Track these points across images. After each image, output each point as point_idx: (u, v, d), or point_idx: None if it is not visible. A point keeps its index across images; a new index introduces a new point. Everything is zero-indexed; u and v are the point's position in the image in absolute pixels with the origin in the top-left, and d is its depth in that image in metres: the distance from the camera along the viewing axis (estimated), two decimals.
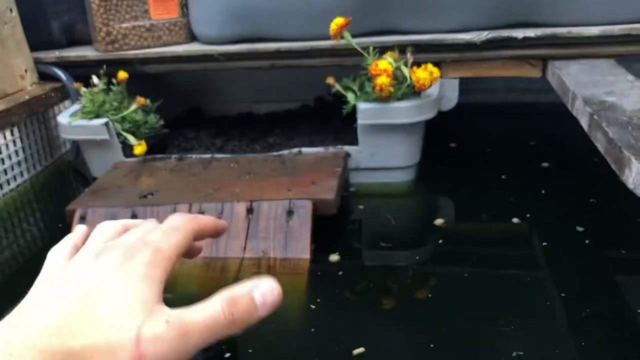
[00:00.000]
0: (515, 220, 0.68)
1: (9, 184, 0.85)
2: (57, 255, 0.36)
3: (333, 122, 0.96)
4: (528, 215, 0.68)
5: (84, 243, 0.37)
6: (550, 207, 0.71)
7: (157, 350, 0.30)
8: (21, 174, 0.88)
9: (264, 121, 1.05)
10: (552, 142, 0.92)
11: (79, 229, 0.39)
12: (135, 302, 0.31)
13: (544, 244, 0.63)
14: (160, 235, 0.35)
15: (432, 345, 0.49)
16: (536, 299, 0.54)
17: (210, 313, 0.32)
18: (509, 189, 0.76)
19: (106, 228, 0.37)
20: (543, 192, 0.75)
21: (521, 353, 0.47)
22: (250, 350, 0.50)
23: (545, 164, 0.83)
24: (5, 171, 0.84)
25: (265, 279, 0.33)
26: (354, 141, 0.81)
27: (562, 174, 0.80)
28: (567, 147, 0.89)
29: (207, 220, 0.38)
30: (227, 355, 0.50)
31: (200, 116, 1.12)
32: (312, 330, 0.53)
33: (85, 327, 0.30)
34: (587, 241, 0.63)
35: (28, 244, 0.74)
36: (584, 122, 0.62)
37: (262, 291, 0.32)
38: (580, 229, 0.65)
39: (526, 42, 0.78)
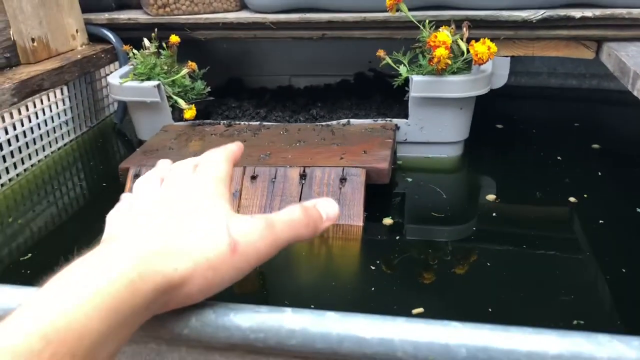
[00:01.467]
0: (572, 199, 0.67)
1: (57, 142, 0.86)
2: (117, 213, 0.39)
3: (374, 97, 0.95)
4: (585, 195, 0.68)
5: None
6: (606, 188, 0.70)
7: (248, 238, 0.33)
8: (68, 133, 0.89)
9: (304, 95, 1.05)
10: (599, 126, 0.91)
11: (124, 195, 0.42)
12: (217, 210, 0.35)
13: (601, 222, 0.63)
14: (209, 166, 0.39)
15: (490, 310, 0.50)
16: (595, 278, 0.54)
17: (290, 214, 0.37)
18: (562, 169, 0.76)
19: (146, 181, 0.41)
20: (599, 173, 0.74)
21: (582, 322, 0.47)
22: (312, 306, 0.51)
23: (595, 146, 0.82)
24: (54, 129, 0.85)
25: (325, 198, 0.39)
26: (397, 116, 0.81)
27: (614, 156, 0.80)
28: (616, 131, 0.89)
29: (236, 147, 0.43)
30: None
31: (241, 87, 1.12)
32: (372, 289, 0.54)
33: (179, 230, 0.33)
34: None
35: (77, 198, 0.75)
36: None
37: (325, 205, 0.38)
38: None
39: (583, 22, 0.78)
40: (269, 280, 0.57)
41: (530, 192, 0.70)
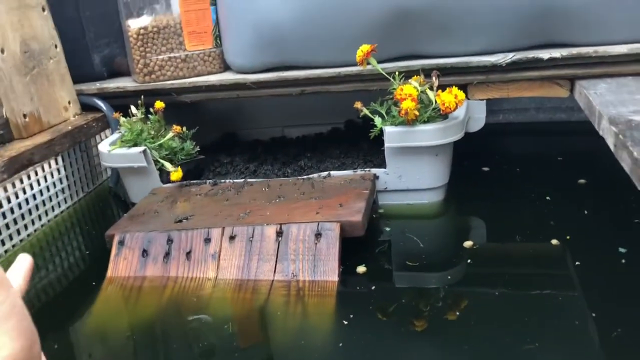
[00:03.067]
0: (554, 241, 0.67)
1: (53, 210, 0.90)
2: None
3: (362, 144, 0.97)
4: (567, 237, 0.68)
5: None
6: (590, 227, 0.70)
7: None
8: (65, 200, 0.93)
9: (296, 145, 1.07)
10: (587, 159, 0.91)
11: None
12: None
13: (577, 263, 0.63)
14: None
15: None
16: (568, 320, 0.54)
17: None
18: (546, 209, 0.76)
19: None
20: (585, 212, 0.74)
21: None
22: None
23: (582, 181, 0.82)
24: (50, 198, 0.89)
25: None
26: (382, 163, 0.82)
27: (600, 191, 0.80)
28: (603, 164, 0.88)
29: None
30: None
31: (235, 141, 1.15)
32: (341, 345, 0.55)
33: None
34: (624, 261, 0.62)
35: (71, 267, 0.78)
36: (610, 142, 0.62)
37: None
38: (622, 250, 0.64)
39: (552, 63, 0.79)
40: (238, 341, 0.58)
41: (511, 235, 0.70)
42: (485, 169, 0.90)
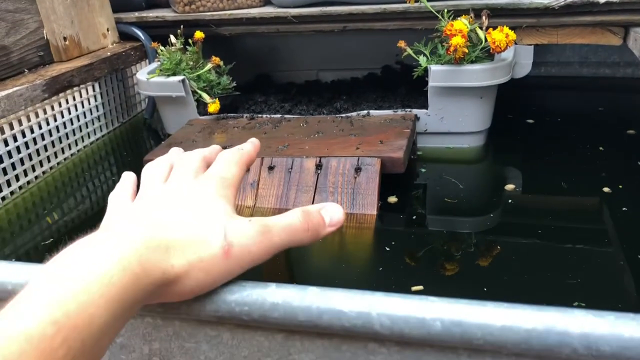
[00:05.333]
0: (605, 189, 0.65)
1: (89, 137, 0.90)
2: (119, 198, 0.40)
3: (400, 90, 0.96)
4: (620, 186, 0.65)
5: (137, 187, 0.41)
6: (636, 178, 0.68)
7: (242, 241, 0.34)
8: (100, 128, 0.93)
9: (331, 88, 1.06)
10: (633, 113, 0.89)
11: (127, 175, 0.43)
12: (217, 211, 0.35)
13: (626, 211, 0.61)
14: (221, 167, 0.40)
15: (485, 289, 0.50)
16: (613, 267, 0.53)
17: (289, 219, 0.37)
18: (593, 158, 0.74)
19: (156, 168, 0.42)
20: (638, 162, 0.71)
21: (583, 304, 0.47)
22: None
23: (631, 131, 0.80)
24: (86, 124, 0.89)
25: (331, 203, 0.39)
26: (421, 109, 0.81)
27: None
28: None
29: (252, 149, 0.44)
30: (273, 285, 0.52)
31: (269, 82, 1.14)
32: (380, 269, 0.55)
33: (179, 227, 0.34)
34: None
35: (105, 194, 0.78)
36: None
37: (330, 210, 0.39)
38: None
39: (608, 8, 0.76)
40: (278, 263, 0.58)
41: (556, 182, 0.68)
42: (530, 121, 0.88)
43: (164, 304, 0.33)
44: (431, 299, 0.31)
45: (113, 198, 0.40)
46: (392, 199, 0.67)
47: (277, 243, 0.36)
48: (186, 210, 0.35)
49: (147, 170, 0.42)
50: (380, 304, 0.31)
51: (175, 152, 0.45)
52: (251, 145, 0.45)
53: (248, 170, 0.45)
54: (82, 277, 0.27)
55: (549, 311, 0.29)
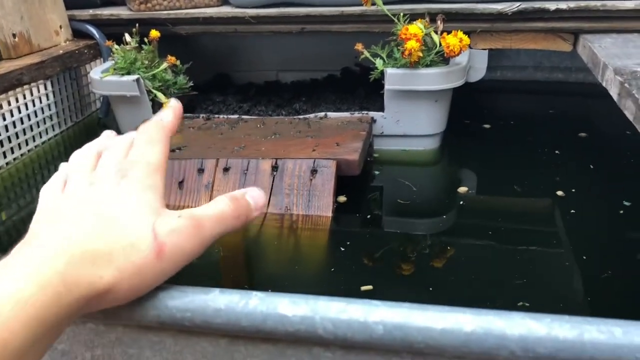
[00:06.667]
0: (559, 193, 0.66)
1: (40, 136, 0.88)
2: (50, 190, 0.38)
3: (358, 92, 0.96)
4: (572, 190, 0.67)
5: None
6: (592, 180, 0.70)
7: (174, 239, 0.33)
8: (52, 127, 0.91)
9: (290, 89, 1.06)
10: (585, 117, 0.91)
11: (62, 166, 0.40)
12: (144, 208, 0.34)
13: (581, 214, 0.62)
14: (143, 150, 0.37)
15: (430, 289, 0.51)
16: (557, 274, 0.54)
17: (217, 207, 0.36)
18: (546, 161, 0.75)
19: (83, 157, 0.39)
20: (590, 166, 0.73)
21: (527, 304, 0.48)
22: (269, 290, 0.51)
23: (582, 134, 0.82)
24: (37, 124, 0.87)
25: (253, 187, 0.39)
26: (379, 111, 0.81)
27: (600, 145, 0.79)
28: (602, 122, 0.89)
29: (172, 117, 0.42)
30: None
31: (228, 82, 1.13)
32: (333, 270, 0.55)
33: (104, 233, 0.32)
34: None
35: None
36: (613, 92, 0.61)
37: (253, 194, 0.38)
38: (627, 203, 0.64)
39: (558, 14, 0.78)
40: (231, 266, 0.58)
41: (509, 185, 0.70)
42: (486, 125, 0.89)
43: (104, 310, 0.33)
44: (374, 303, 0.31)
45: (44, 192, 0.38)
46: (342, 199, 0.68)
47: (210, 235, 0.35)
48: (111, 211, 0.33)
49: (73, 159, 0.39)
50: (323, 309, 0.31)
51: (106, 135, 0.42)
52: (171, 111, 0.42)
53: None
54: None
55: (488, 315, 0.30)
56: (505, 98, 1.05)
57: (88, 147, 0.40)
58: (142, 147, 0.38)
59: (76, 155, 0.40)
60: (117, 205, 0.34)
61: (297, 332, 0.31)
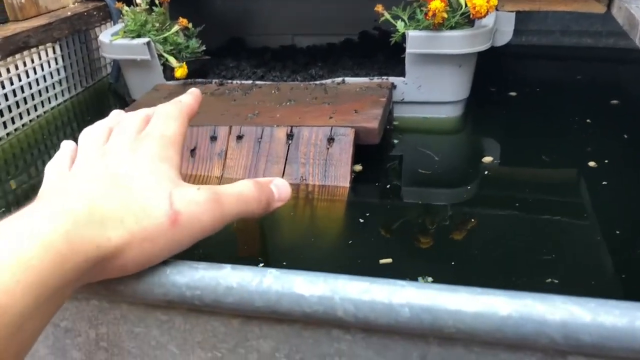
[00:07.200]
0: (591, 163, 0.63)
1: (49, 102, 0.85)
2: (55, 167, 0.36)
3: (377, 57, 0.92)
4: (604, 160, 0.63)
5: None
6: (621, 151, 0.66)
7: (191, 210, 0.31)
8: (62, 93, 0.88)
9: (306, 54, 1.02)
10: (616, 84, 0.86)
11: (67, 143, 0.39)
12: (161, 176, 0.32)
13: (609, 185, 0.59)
14: (159, 124, 0.36)
15: (452, 263, 0.48)
16: (589, 243, 0.51)
17: (240, 188, 0.34)
18: (575, 131, 0.71)
19: (94, 132, 0.38)
20: (624, 136, 0.69)
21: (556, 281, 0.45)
22: (284, 263, 0.49)
23: (615, 102, 0.78)
24: (47, 89, 0.84)
25: (279, 178, 0.38)
26: (398, 76, 0.77)
27: (634, 113, 0.75)
28: (634, 90, 0.84)
29: (192, 100, 0.41)
30: (261, 265, 0.49)
31: (242, 47, 1.09)
32: (350, 242, 0.52)
33: (116, 194, 0.30)
34: None
35: None
36: None
37: (278, 184, 0.37)
38: None
39: None
40: (243, 238, 0.55)
41: (536, 155, 0.66)
42: (512, 93, 0.85)
43: (107, 287, 0.30)
44: (400, 283, 0.29)
45: (49, 168, 0.37)
46: (358, 167, 0.65)
47: (229, 213, 0.33)
48: (126, 175, 0.31)
49: (84, 135, 0.38)
50: (343, 288, 0.28)
51: (116, 114, 0.42)
52: (191, 96, 0.42)
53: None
54: None
55: (525, 298, 0.27)
56: (531, 64, 1.00)
57: (98, 123, 0.39)
58: (158, 121, 0.37)
59: (86, 131, 0.39)
60: (132, 171, 0.32)
61: (315, 313, 0.29)
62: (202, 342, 0.32)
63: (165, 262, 0.31)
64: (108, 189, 0.30)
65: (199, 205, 0.31)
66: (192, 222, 0.31)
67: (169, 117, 0.37)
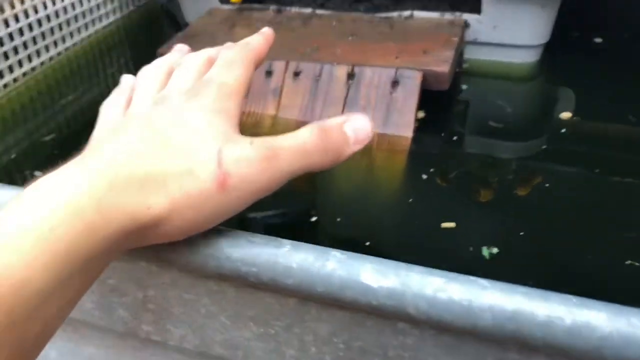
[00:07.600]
0: None
1: (100, 20, 0.82)
2: (111, 107, 0.34)
3: None
4: None
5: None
6: None
7: (242, 170, 0.27)
8: (113, 11, 0.85)
9: None
10: None
11: (125, 79, 0.37)
12: (212, 131, 0.28)
13: None
14: (221, 70, 0.33)
15: (521, 233, 0.44)
16: None
17: (301, 138, 0.30)
18: None
19: (152, 74, 0.35)
20: None
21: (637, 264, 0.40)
22: (338, 219, 0.46)
23: None
24: (94, 8, 0.81)
25: (357, 114, 0.32)
26: (471, 11, 0.70)
27: None
28: None
29: (261, 42, 0.37)
30: (314, 219, 0.47)
31: None
32: (410, 200, 0.49)
33: (159, 155, 0.27)
34: None
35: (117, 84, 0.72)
36: None
37: (354, 125, 0.31)
38: None
39: None
40: (293, 192, 0.52)
41: (621, 113, 0.59)
42: (598, 40, 0.76)
43: (157, 253, 0.28)
44: (481, 283, 0.25)
45: (105, 108, 0.34)
46: (420, 114, 0.60)
47: (287, 170, 0.29)
48: (172, 132, 0.28)
49: (142, 75, 0.36)
50: (417, 284, 0.25)
51: (179, 51, 0.40)
52: (261, 37, 0.37)
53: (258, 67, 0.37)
54: (13, 232, 0.21)
55: (631, 316, 0.23)
56: (621, 6, 0.90)
57: (158, 63, 0.36)
58: (219, 67, 0.33)
59: (144, 71, 0.36)
60: (180, 127, 0.29)
61: (382, 307, 0.26)
62: (255, 317, 0.30)
63: (220, 232, 0.28)
64: (151, 149, 0.27)
65: (251, 163, 0.28)
66: (243, 184, 0.27)
67: (233, 62, 0.33)
